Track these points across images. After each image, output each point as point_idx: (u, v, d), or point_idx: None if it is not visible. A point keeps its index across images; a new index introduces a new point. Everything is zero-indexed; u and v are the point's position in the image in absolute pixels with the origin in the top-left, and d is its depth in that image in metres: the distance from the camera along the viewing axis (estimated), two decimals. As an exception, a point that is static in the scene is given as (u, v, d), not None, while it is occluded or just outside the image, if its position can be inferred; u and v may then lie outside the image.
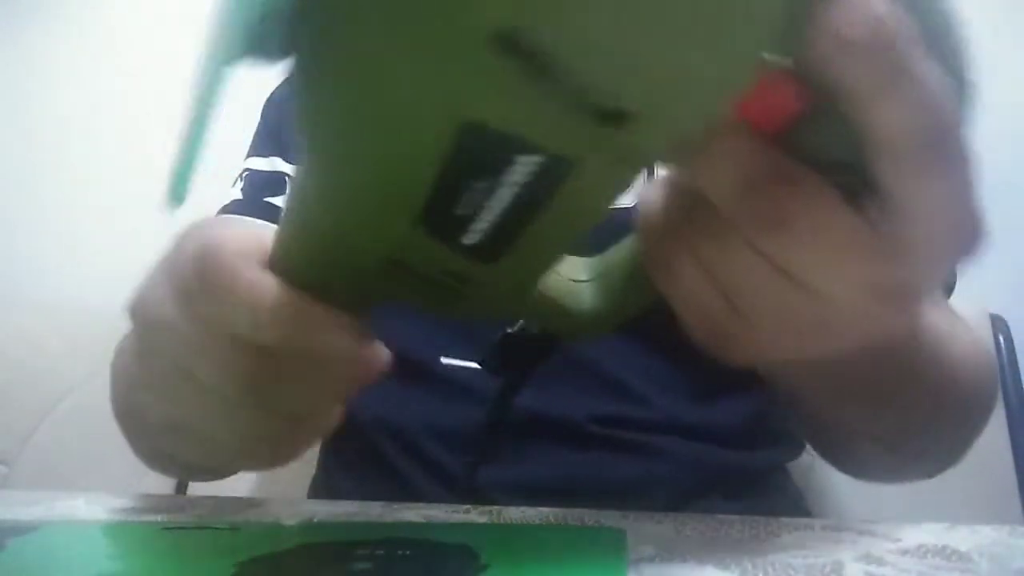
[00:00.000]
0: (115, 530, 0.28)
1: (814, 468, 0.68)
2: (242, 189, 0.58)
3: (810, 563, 0.21)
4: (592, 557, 0.21)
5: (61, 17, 1.25)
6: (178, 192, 0.18)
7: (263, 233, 0.25)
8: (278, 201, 0.55)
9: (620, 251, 0.29)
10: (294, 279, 0.24)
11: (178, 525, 0.28)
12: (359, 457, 0.50)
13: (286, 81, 0.65)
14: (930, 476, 0.43)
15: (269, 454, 0.26)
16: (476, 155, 0.19)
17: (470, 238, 0.22)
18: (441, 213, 0.21)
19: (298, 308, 0.23)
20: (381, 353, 0.25)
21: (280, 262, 0.25)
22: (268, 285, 0.23)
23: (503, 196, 0.20)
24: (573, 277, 0.30)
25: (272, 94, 0.64)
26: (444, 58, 0.17)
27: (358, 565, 0.22)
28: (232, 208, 0.55)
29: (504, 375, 0.34)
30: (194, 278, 0.24)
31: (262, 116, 0.62)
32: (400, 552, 0.23)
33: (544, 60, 0.17)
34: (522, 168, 0.20)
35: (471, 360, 0.47)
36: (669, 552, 0.22)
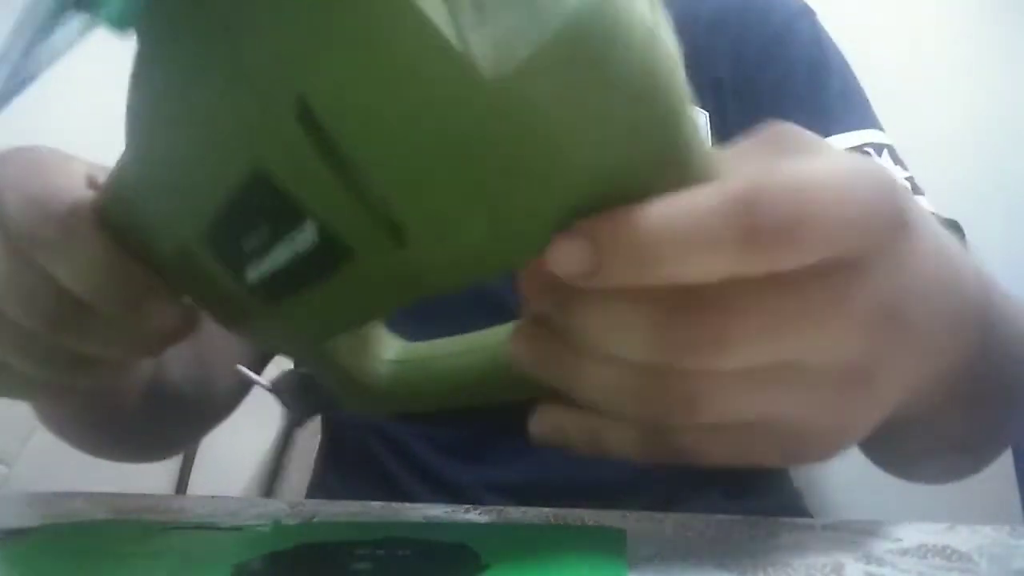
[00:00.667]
0: (115, 530, 0.28)
1: (814, 468, 0.68)
2: None
3: (810, 563, 0.21)
4: (592, 557, 0.21)
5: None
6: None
7: (92, 170, 0.27)
8: None
9: (442, 348, 0.29)
10: (117, 232, 0.25)
11: (178, 525, 0.28)
12: (352, 459, 0.51)
13: None
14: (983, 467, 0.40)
15: (61, 394, 0.28)
16: (262, 203, 0.20)
17: (252, 274, 0.22)
18: (224, 240, 0.21)
19: (117, 268, 0.25)
20: (190, 317, 0.26)
21: (105, 212, 0.25)
22: (93, 241, 0.24)
23: (283, 251, 0.20)
24: (377, 352, 0.30)
25: None
26: (252, 100, 0.18)
27: (358, 565, 0.22)
28: None
29: (290, 407, 0.34)
30: (21, 218, 0.25)
31: None
32: (400, 552, 0.23)
33: (333, 142, 0.17)
34: (302, 236, 0.20)
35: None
36: (669, 552, 0.22)
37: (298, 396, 0.33)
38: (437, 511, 0.30)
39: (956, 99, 1.31)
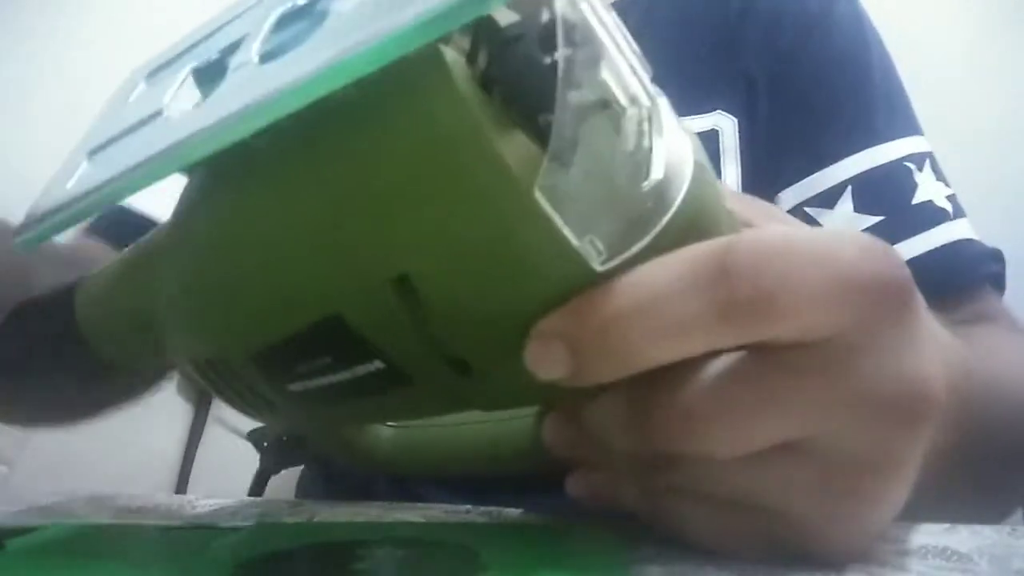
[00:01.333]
0: (115, 530, 0.28)
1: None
2: None
3: (809, 563, 0.21)
4: (592, 557, 0.21)
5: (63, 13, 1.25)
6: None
7: None
8: None
9: (444, 418, 0.28)
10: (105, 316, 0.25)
11: (178, 525, 0.28)
12: (325, 458, 0.51)
13: None
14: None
15: None
16: (328, 340, 0.20)
17: (295, 387, 0.22)
18: (275, 363, 0.21)
19: None
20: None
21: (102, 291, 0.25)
22: None
23: (340, 376, 0.21)
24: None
25: None
26: (345, 266, 0.18)
27: (358, 565, 0.22)
28: None
29: (268, 459, 0.34)
30: None
31: None
32: (400, 552, 0.23)
33: (427, 309, 0.18)
34: (365, 367, 0.20)
35: None
36: (669, 552, 0.22)
37: (279, 451, 0.33)
38: (437, 511, 0.30)
39: (957, 98, 1.31)
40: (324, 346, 0.20)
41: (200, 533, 0.27)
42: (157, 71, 0.24)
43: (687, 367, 0.18)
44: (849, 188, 0.47)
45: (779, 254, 0.17)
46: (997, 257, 0.48)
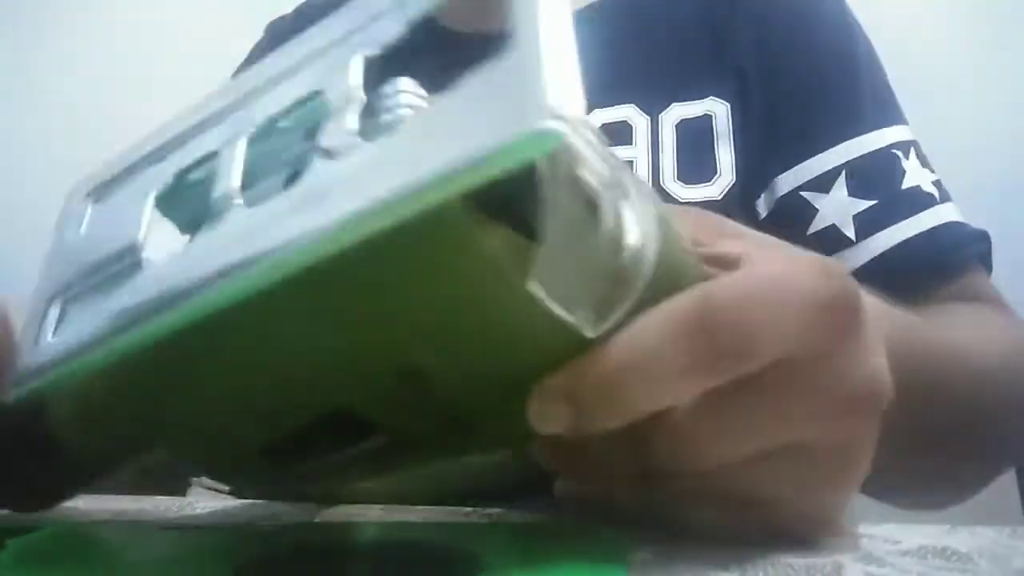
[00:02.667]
0: (115, 530, 0.28)
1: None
2: None
3: (810, 563, 0.21)
4: (592, 557, 0.21)
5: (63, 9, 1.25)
6: None
7: None
8: None
9: None
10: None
11: (178, 525, 0.28)
12: None
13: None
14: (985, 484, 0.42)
15: None
16: (333, 426, 0.20)
17: (298, 468, 0.22)
18: (279, 454, 0.22)
19: None
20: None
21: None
22: None
23: (344, 451, 0.22)
24: None
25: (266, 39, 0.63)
26: (355, 364, 0.19)
27: (358, 565, 0.22)
28: None
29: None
30: None
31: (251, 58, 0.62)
32: (400, 552, 0.23)
33: (434, 394, 0.19)
34: (369, 443, 0.21)
35: None
36: (669, 552, 0.22)
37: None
38: (437, 511, 0.30)
39: (956, 98, 1.31)
40: (327, 431, 0.21)
41: (200, 533, 0.27)
42: (104, 189, 0.23)
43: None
44: (843, 174, 0.50)
45: (749, 301, 0.19)
46: (983, 237, 0.50)
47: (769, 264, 0.21)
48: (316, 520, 0.29)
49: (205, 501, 0.33)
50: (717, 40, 0.54)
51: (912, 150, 0.51)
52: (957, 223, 0.50)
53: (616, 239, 0.19)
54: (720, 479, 0.21)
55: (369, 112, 0.18)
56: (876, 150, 0.50)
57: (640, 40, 0.54)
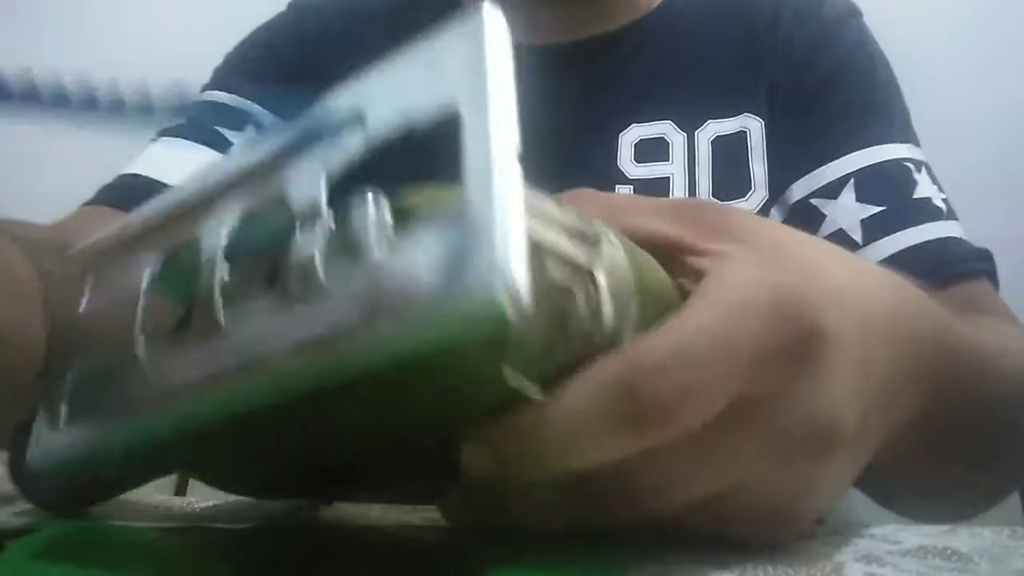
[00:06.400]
0: (115, 531, 0.28)
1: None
2: (189, 116, 0.55)
3: (810, 563, 0.21)
4: (593, 557, 0.21)
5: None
6: None
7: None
8: (233, 136, 0.53)
9: None
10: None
11: (179, 526, 0.28)
12: None
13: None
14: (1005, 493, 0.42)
15: None
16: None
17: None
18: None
19: None
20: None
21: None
22: None
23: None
24: None
25: (261, 33, 0.62)
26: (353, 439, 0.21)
27: (358, 566, 0.22)
28: (173, 131, 0.54)
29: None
30: None
31: (239, 55, 0.60)
32: (401, 553, 0.23)
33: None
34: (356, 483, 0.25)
35: None
36: (669, 552, 0.22)
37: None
38: (437, 513, 0.30)
39: (956, 98, 1.31)
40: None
41: (200, 533, 0.27)
42: (104, 262, 0.23)
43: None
44: (852, 180, 0.51)
45: (678, 364, 0.18)
46: (987, 256, 0.50)
47: (712, 308, 0.20)
48: (316, 520, 0.29)
49: (205, 501, 0.33)
50: (753, 55, 0.55)
51: (924, 169, 0.52)
52: (961, 240, 0.50)
53: (595, 316, 0.19)
54: (660, 521, 0.21)
55: (339, 222, 0.18)
56: (888, 160, 0.51)
57: (679, 57, 0.55)
